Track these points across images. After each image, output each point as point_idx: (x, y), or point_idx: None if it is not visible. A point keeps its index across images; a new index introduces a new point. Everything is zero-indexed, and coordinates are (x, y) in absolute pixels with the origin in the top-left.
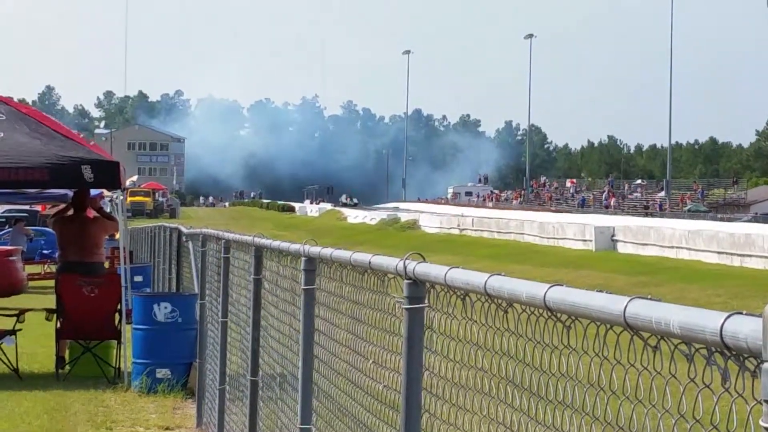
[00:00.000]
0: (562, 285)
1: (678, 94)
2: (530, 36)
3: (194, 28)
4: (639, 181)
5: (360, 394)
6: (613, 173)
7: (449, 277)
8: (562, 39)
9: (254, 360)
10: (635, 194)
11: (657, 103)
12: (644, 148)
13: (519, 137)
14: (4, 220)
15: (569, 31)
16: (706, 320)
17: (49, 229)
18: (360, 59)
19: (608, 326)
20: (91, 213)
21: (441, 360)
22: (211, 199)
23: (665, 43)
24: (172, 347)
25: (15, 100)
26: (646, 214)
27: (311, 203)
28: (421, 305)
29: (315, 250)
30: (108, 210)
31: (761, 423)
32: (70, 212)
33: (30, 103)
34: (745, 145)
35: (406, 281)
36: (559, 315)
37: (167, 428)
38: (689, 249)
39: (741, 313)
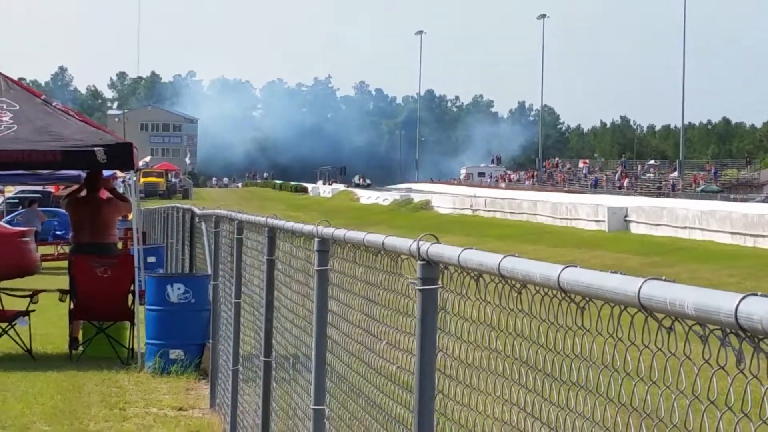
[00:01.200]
0: (576, 266)
1: (691, 74)
2: (543, 16)
3: (207, 8)
4: (652, 162)
5: (373, 375)
6: (626, 154)
7: (463, 258)
8: (575, 19)
9: (267, 341)
10: (648, 175)
11: (670, 83)
12: (657, 129)
13: (532, 118)
14: (17, 200)
15: (582, 12)
16: (721, 301)
17: (62, 210)
18: (373, 40)
19: (622, 307)
20: (104, 194)
21: (454, 341)
22: (225, 180)
23: (678, 23)
24: (185, 328)
25: (27, 81)
26: (659, 195)
27: (324, 184)
28: (434, 286)
29: (328, 231)
30: (121, 191)
31: None
32: (83, 193)
33: (43, 84)
34: (758, 125)
35: (419, 262)
36: (573, 296)
37: (180, 409)
38: (702, 229)
39: (756, 295)
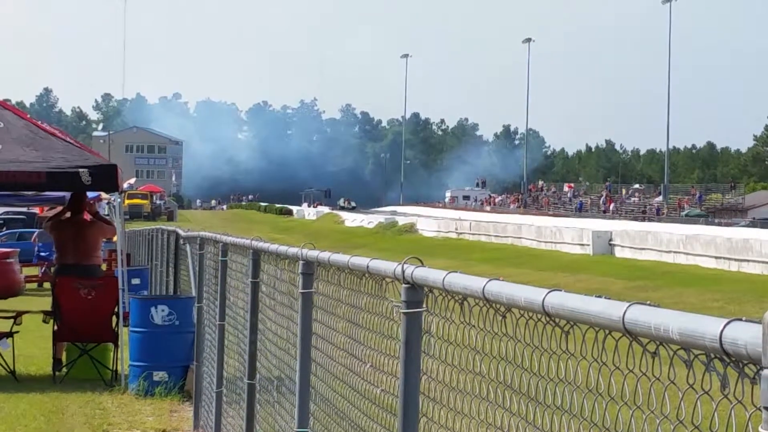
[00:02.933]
0: (561, 290)
1: (676, 98)
2: (528, 40)
3: (192, 30)
4: (637, 186)
5: (357, 398)
6: (610, 178)
7: (447, 281)
8: (561, 43)
9: (251, 363)
10: (633, 199)
11: (655, 107)
12: (642, 153)
13: (517, 141)
14: (1, 222)
15: (567, 36)
16: (706, 326)
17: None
18: (358, 63)
19: (607, 331)
20: (88, 216)
21: (439, 364)
22: (214, 202)
23: (663, 48)
24: (169, 350)
25: (12, 102)
26: (644, 219)
27: (309, 206)
28: (419, 309)
29: (313, 253)
30: (105, 213)
31: (761, 430)
32: (67, 215)
33: (28, 105)
34: (743, 150)
35: (404, 285)
36: (557, 320)
37: (164, 431)
38: (686, 254)
39: (741, 320)
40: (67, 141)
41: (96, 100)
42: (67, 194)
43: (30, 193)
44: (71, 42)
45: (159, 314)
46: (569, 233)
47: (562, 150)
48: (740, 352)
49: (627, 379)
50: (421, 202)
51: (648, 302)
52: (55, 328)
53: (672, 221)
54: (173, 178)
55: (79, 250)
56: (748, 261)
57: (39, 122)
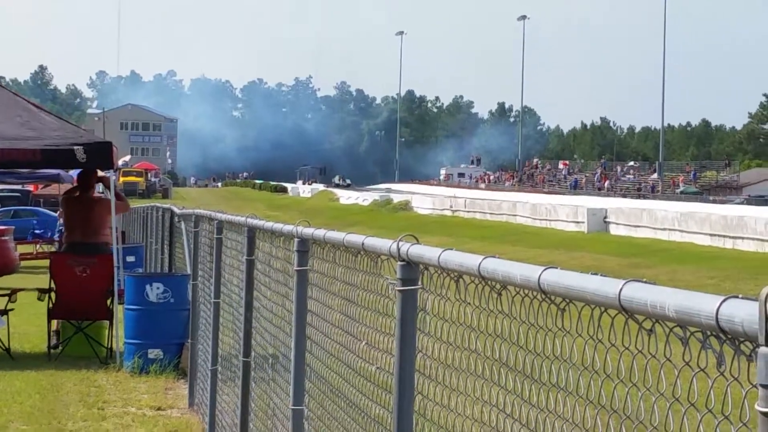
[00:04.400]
0: (556, 267)
1: (671, 76)
2: (523, 17)
3: (187, 7)
4: (632, 163)
5: (353, 376)
6: (605, 155)
7: (443, 259)
8: (556, 20)
9: (246, 341)
10: (628, 176)
11: (650, 84)
12: (637, 130)
13: (512, 119)
14: None
15: (562, 13)
16: (702, 304)
17: (42, 209)
18: (354, 40)
19: (603, 309)
20: (94, 192)
21: (434, 342)
22: (212, 179)
23: (659, 25)
24: (164, 328)
25: (6, 80)
26: (639, 196)
27: (304, 184)
28: (414, 287)
29: (308, 231)
30: (99, 191)
31: (757, 407)
32: (76, 193)
33: (22, 83)
34: (738, 127)
35: (399, 263)
36: (553, 297)
37: (159, 408)
38: (681, 231)
39: (737, 297)
40: (61, 119)
41: (91, 78)
42: (60, 171)
43: (25, 170)
44: (66, 19)
45: (154, 292)
46: (564, 211)
47: (557, 127)
48: (737, 329)
49: (623, 357)
50: (416, 180)
51: (643, 279)
52: (50, 305)
53: (667, 198)
54: (168, 156)
55: (87, 228)
56: (742, 238)
57: (31, 101)
